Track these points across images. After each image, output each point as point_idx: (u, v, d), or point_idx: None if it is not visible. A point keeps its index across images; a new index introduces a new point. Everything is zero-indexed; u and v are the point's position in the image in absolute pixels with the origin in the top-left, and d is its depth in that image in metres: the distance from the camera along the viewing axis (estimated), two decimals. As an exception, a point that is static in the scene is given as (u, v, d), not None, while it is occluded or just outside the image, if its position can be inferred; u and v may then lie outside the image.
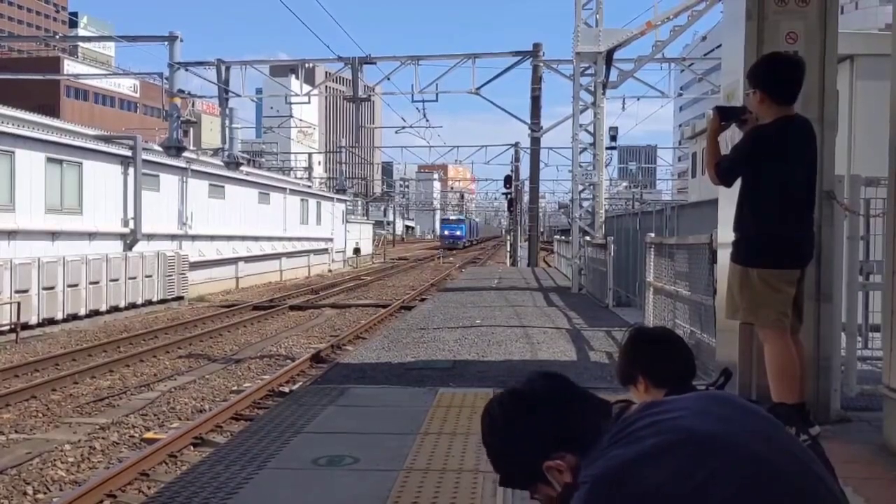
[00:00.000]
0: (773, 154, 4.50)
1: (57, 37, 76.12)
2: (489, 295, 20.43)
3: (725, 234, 5.36)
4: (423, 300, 22.27)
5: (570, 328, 13.58)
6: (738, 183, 4.73)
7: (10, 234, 18.28)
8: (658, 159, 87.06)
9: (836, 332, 5.60)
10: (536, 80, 29.38)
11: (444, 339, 11.97)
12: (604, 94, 21.87)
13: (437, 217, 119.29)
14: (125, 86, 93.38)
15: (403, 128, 39.84)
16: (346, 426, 6.11)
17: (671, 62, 29.57)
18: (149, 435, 9.10)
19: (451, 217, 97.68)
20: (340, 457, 5.21)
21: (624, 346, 2.71)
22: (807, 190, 4.63)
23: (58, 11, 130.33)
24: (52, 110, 52.89)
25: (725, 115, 4.83)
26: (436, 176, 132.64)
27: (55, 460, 8.05)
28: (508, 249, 48.55)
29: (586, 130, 22.20)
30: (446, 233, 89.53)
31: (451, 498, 4.52)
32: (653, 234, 12.08)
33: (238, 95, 30.25)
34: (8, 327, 16.46)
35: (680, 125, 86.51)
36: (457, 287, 24.55)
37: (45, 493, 7.20)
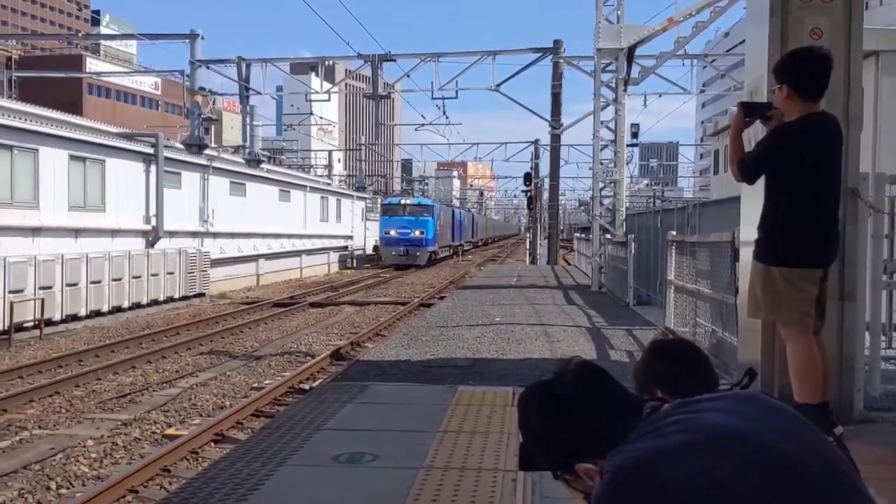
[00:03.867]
0: (799, 151, 4.45)
1: (80, 35, 76.76)
2: (508, 293, 20.39)
3: (748, 231, 5.31)
4: (441, 298, 22.27)
5: (591, 326, 13.53)
6: (761, 180, 4.68)
7: (35, 232, 18.46)
8: (680, 156, 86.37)
9: (860, 332, 5.53)
10: (557, 76, 29.32)
11: (464, 337, 11.96)
12: (625, 90, 21.76)
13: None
14: (147, 83, 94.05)
15: (423, 125, 39.97)
16: (366, 423, 6.13)
17: (693, 58, 29.37)
18: (170, 431, 9.16)
19: (404, 202, 45.58)
20: (360, 454, 5.22)
21: (642, 359, 2.68)
22: (831, 188, 4.58)
23: (80, 10, 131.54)
24: (75, 108, 53.33)
25: (750, 112, 4.78)
26: (455, 173, 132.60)
27: (78, 456, 8.13)
28: (527, 247, 48.42)
29: (607, 127, 22.09)
30: (392, 233, 42.92)
31: (470, 496, 4.52)
32: (674, 232, 12.01)
33: (259, 93, 30.41)
34: (32, 323, 16.63)
35: (702, 122, 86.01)
36: (476, 285, 24.54)
37: (67, 489, 7.27)
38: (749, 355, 5.65)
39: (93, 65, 77.00)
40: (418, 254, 42.24)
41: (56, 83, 59.04)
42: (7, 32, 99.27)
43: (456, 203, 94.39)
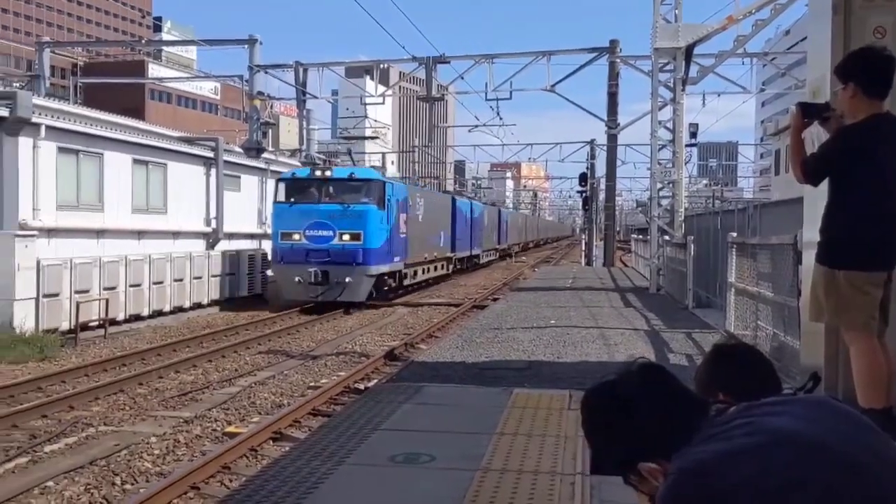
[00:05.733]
0: (863, 153, 4.36)
1: (143, 42, 78.67)
2: (564, 295, 20.28)
3: (810, 233, 5.20)
4: (495, 300, 22.25)
5: (649, 329, 13.38)
6: (824, 181, 4.59)
7: (99, 233, 18.97)
8: (739, 156, 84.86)
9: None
10: (613, 76, 29.05)
11: (519, 340, 11.93)
12: (683, 90, 21.46)
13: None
14: (206, 88, 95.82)
15: (476, 126, 39.89)
16: (422, 424, 6.17)
17: (753, 57, 28.82)
18: (230, 429, 9.33)
19: (323, 175, 23.06)
20: (417, 454, 5.26)
21: (704, 363, 2.66)
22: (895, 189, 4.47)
23: (143, 16, 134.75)
24: (138, 113, 54.60)
25: (808, 112, 4.69)
26: (509, 174, 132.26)
27: (142, 452, 8.33)
28: (583, 248, 48.06)
29: (665, 127, 21.82)
30: (296, 238, 21.92)
31: (527, 500, 4.52)
32: (735, 234, 11.82)
33: (315, 97, 30.75)
34: (97, 323, 17.10)
35: (762, 121, 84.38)
36: (530, 287, 24.45)
37: (132, 484, 7.45)
38: (812, 359, 5.54)
39: (154, 70, 78.79)
40: (349, 279, 20.98)
41: (119, 89, 60.51)
42: (73, 40, 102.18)
43: (509, 205, 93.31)
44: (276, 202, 22.54)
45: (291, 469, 5.03)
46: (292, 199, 22.23)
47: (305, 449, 5.56)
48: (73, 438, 8.91)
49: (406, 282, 25.93)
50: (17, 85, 28.70)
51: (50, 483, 7.29)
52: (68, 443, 8.74)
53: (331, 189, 22.38)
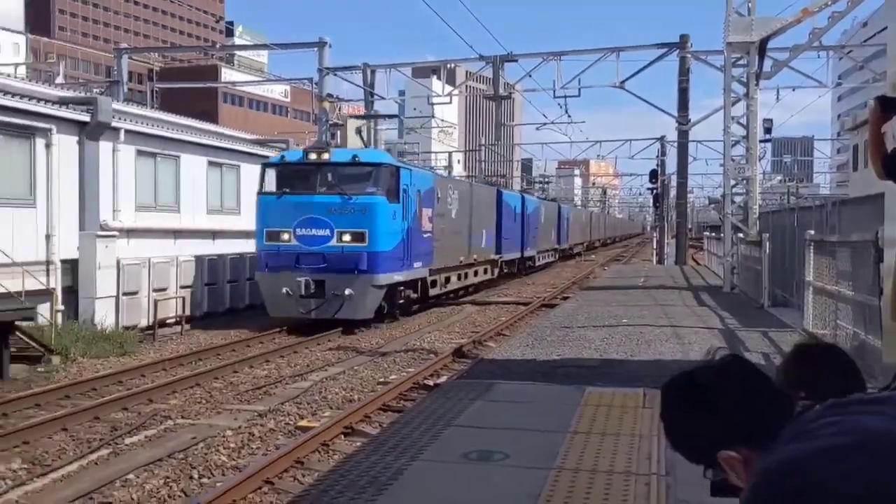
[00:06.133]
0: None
1: (217, 46, 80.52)
2: (635, 293, 20.00)
3: (892, 230, 5.01)
4: (565, 298, 22.07)
5: (723, 328, 13.10)
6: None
7: (176, 234, 19.47)
8: (815, 152, 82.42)
9: None
10: (684, 71, 28.55)
11: (590, 338, 11.81)
12: (757, 84, 20.97)
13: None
14: (277, 91, 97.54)
15: (544, 124, 39.63)
16: (494, 421, 6.14)
17: (829, 50, 27.95)
18: (303, 423, 9.45)
19: (320, 159, 17.99)
20: (490, 452, 5.23)
21: (785, 361, 2.58)
22: None
23: (217, 21, 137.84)
24: (211, 116, 55.87)
25: (887, 107, 4.50)
26: (577, 172, 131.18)
27: (218, 445, 8.49)
28: (654, 247, 47.32)
29: (738, 123, 21.37)
30: (285, 239, 17.46)
31: (602, 499, 4.46)
32: (812, 231, 11.48)
33: (382, 98, 31.00)
34: (174, 320, 17.55)
35: (839, 116, 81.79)
36: (600, 286, 24.19)
37: (208, 478, 7.59)
38: (894, 358, 5.33)
39: (227, 74, 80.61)
40: (349, 291, 16.99)
41: (193, 93, 61.98)
42: (149, 46, 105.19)
43: (577, 202, 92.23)
44: (260, 193, 18.07)
45: (366, 464, 5.06)
46: (281, 190, 17.70)
47: (378, 444, 5.59)
48: (152, 431, 9.14)
49: (434, 291, 21.37)
50: (98, 91, 29.66)
51: (131, 476, 7.47)
52: (147, 435, 8.97)
53: (329, 176, 17.73)
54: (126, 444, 8.58)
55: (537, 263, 37.76)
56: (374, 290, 17.19)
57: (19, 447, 8.33)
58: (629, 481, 4.80)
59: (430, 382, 11.21)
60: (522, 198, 34.95)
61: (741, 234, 20.96)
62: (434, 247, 20.61)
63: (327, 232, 17.11)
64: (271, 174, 18.13)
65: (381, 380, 11.95)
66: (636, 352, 10.48)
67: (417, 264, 19.33)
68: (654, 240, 49.06)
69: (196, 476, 7.59)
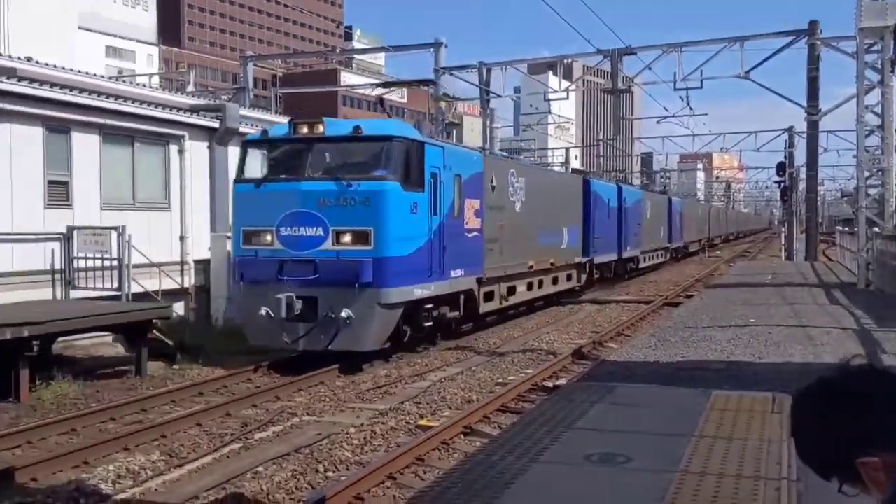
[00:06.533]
0: None
1: (337, 51, 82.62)
2: (763, 291, 19.27)
3: None
4: (688, 297, 21.50)
5: (858, 328, 12.46)
6: None
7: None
8: (959, 140, 76.93)
9: None
10: (813, 59, 27.28)
11: (716, 339, 11.45)
12: (892, 71, 19.86)
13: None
14: (394, 93, 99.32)
15: (665, 117, 38.82)
16: (616, 424, 6.04)
17: (975, 30, 26.10)
18: (422, 422, 9.56)
19: (312, 132, 13.35)
20: (613, 454, 5.15)
21: None
22: None
23: (337, 27, 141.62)
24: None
25: None
26: (700, 165, 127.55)
27: (342, 442, 8.70)
28: (782, 242, 45.46)
29: (873, 112, 20.32)
30: (267, 241, 13.07)
31: (730, 503, 4.31)
32: (958, 225, 10.74)
33: (498, 95, 31.02)
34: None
35: None
36: (725, 283, 23.44)
37: (333, 472, 7.80)
38: None
39: (346, 78, 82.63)
40: (347, 313, 12.44)
41: (314, 97, 63.84)
42: (273, 53, 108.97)
43: (700, 196, 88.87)
44: (237, 181, 13.82)
45: (486, 464, 5.08)
46: (262, 176, 13.47)
47: (499, 445, 5.59)
48: (279, 427, 9.47)
49: (490, 306, 16.88)
50: (225, 97, 30.97)
51: (260, 468, 7.78)
52: (275, 431, 9.30)
53: (324, 157, 13.44)
54: (255, 439, 8.93)
55: (641, 265, 32.90)
56: (382, 310, 12.61)
57: (157, 440, 8.81)
58: (758, 486, 4.63)
59: (550, 384, 11.14)
60: (619, 189, 30.08)
61: (877, 228, 19.94)
62: (485, 249, 16.17)
63: (319, 231, 12.69)
64: (249, 155, 13.89)
65: (500, 381, 11.95)
66: (764, 354, 10.09)
67: (457, 272, 14.83)
68: (783, 235, 47.09)
69: (322, 470, 7.82)
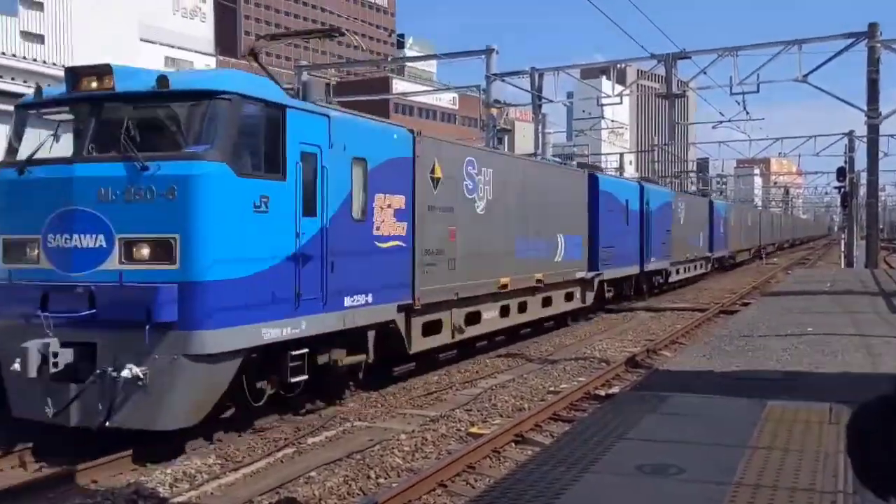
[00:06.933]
0: None
1: (388, 59, 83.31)
2: (821, 300, 18.85)
3: None
4: (745, 305, 21.15)
5: (920, 338, 12.10)
6: None
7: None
8: None
9: None
10: (873, 62, 26.64)
11: (772, 348, 11.25)
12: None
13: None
14: (445, 100, 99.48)
15: (721, 122, 38.15)
16: (669, 435, 5.98)
17: None
18: (473, 430, 9.58)
19: (98, 83, 8.55)
20: (665, 465, 5.10)
21: None
22: None
23: (390, 35, 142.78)
24: (384, 126, 57.73)
25: None
26: (756, 171, 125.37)
27: (393, 448, 8.77)
28: (842, 249, 44.39)
29: (937, 114, 19.72)
30: (41, 254, 8.55)
31: (786, 518, 4.25)
32: None
33: (550, 101, 30.87)
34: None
35: None
36: (783, 291, 22.98)
37: (384, 478, 7.86)
38: None
39: (398, 85, 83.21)
40: (131, 371, 7.95)
41: (367, 104, 64.26)
42: (326, 62, 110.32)
43: (757, 202, 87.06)
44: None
45: (537, 474, 5.08)
46: (28, 156, 9.01)
47: (550, 454, 5.58)
48: (331, 432, 9.57)
49: (428, 343, 12.73)
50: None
51: (313, 473, 7.88)
52: (328, 436, 9.40)
53: (114, 124, 8.62)
54: (308, 444, 9.04)
55: (672, 279, 28.42)
56: (194, 365, 8.30)
57: (213, 444, 8.97)
58: (813, 498, 4.55)
59: (602, 392, 11.06)
60: (641, 188, 25.50)
61: (943, 236, 19.33)
62: (418, 265, 12.06)
63: (100, 241, 8.40)
64: (14, 126, 9.60)
65: (552, 388, 11.91)
66: (822, 363, 9.88)
67: (356, 299, 10.54)
68: (842, 241, 45.97)
69: (373, 476, 7.88)
